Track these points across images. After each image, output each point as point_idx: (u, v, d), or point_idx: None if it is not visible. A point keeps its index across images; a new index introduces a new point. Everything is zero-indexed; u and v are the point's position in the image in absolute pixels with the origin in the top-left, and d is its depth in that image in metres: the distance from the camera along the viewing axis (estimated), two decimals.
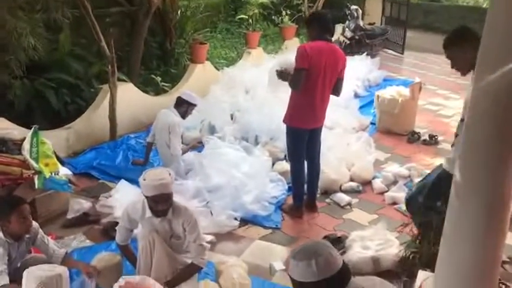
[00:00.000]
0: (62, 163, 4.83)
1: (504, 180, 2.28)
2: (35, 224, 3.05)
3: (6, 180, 3.70)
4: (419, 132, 6.48)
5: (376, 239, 3.74)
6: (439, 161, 5.72)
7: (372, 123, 6.84)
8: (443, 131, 6.74)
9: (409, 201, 3.65)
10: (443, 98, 8.54)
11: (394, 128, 6.54)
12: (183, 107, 5.09)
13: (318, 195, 4.79)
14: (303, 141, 4.26)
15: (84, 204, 4.30)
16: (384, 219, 4.30)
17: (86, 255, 3.57)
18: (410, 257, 3.18)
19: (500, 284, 2.87)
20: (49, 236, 3.68)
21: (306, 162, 4.44)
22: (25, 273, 1.98)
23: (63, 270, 2.00)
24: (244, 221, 4.29)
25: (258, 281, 3.41)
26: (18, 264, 3.00)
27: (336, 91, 4.26)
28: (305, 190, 4.54)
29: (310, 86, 4.03)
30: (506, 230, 2.41)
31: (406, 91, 6.64)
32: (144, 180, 2.97)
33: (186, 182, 4.52)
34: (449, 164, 3.17)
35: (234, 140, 5.51)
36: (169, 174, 3.01)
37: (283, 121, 4.31)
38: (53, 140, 5.28)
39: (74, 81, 6.34)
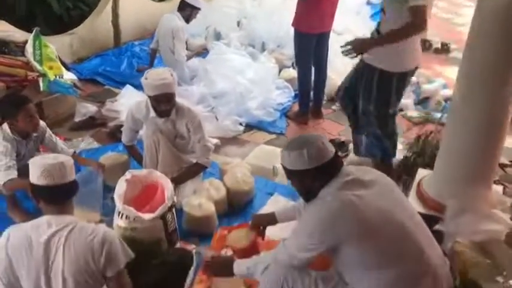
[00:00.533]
0: (67, 68, 4.81)
1: (503, 97, 2.28)
2: (42, 123, 3.08)
3: (11, 82, 3.70)
4: (431, 41, 6.30)
5: None
6: (449, 69, 5.64)
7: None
8: (456, 40, 6.54)
9: (337, 93, 3.56)
10: (456, 6, 8.20)
11: None
12: (187, 10, 4.94)
13: (324, 102, 4.78)
14: (310, 46, 4.17)
15: (91, 108, 4.34)
16: None
17: (94, 155, 3.64)
18: (412, 157, 3.21)
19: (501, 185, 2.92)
20: (59, 137, 3.78)
21: (313, 69, 4.38)
22: (30, 163, 2.03)
23: (66, 158, 2.03)
24: (249, 127, 4.32)
25: (261, 180, 3.49)
26: (28, 162, 3.08)
27: None
28: (311, 97, 4.53)
29: None
30: (504, 136, 2.43)
31: None
32: (146, 79, 2.95)
33: (190, 88, 4.51)
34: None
35: (240, 46, 5.39)
36: (171, 74, 2.97)
37: (292, 25, 4.19)
38: (57, 45, 5.20)
39: None
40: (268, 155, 3.93)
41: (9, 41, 3.79)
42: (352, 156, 3.70)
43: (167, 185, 2.65)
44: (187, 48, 5.16)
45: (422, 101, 4.77)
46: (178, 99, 3.16)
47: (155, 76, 2.95)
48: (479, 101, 2.36)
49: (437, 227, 2.32)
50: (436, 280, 1.87)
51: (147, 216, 2.51)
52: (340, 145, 3.98)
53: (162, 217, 2.58)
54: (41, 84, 3.82)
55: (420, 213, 2.09)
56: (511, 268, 2.04)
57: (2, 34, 3.95)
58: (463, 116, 2.45)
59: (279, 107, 4.59)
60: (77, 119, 4.23)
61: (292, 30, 4.26)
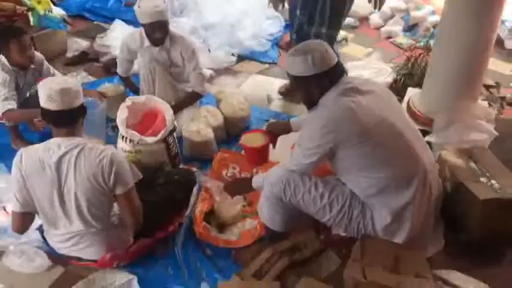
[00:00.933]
0: (54, 4, 4.75)
1: (489, 20, 2.35)
2: (39, 55, 3.09)
3: (1, 16, 3.67)
4: None
5: (369, 68, 3.86)
6: None
7: None
8: None
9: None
10: None
11: None
12: None
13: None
14: None
15: (83, 43, 4.34)
16: (378, 51, 4.37)
17: (90, 88, 3.68)
18: (402, 79, 3.31)
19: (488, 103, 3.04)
20: None
21: None
22: (39, 86, 2.08)
23: (74, 83, 2.09)
24: (242, 57, 4.36)
25: (256, 109, 3.59)
26: (27, 94, 3.13)
27: None
28: None
29: None
30: (488, 56, 2.52)
31: None
32: (139, 7, 2.96)
33: (180, 20, 4.49)
34: None
35: None
36: (164, 1, 2.98)
37: None
38: None
39: None
40: (261, 84, 4.02)
41: None
42: None
43: (167, 110, 2.74)
44: None
45: (411, 28, 4.81)
46: (172, 28, 3.18)
47: (148, 3, 2.96)
48: (466, 23, 2.45)
49: (426, 138, 2.47)
50: (426, 182, 2.02)
51: (150, 139, 2.61)
52: None
53: (164, 140, 2.69)
54: (30, 18, 3.80)
55: None
56: (492, 170, 2.20)
57: None
58: (451, 37, 2.54)
59: (270, 37, 4.60)
60: (69, 55, 4.23)
61: None
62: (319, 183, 2.10)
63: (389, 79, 3.61)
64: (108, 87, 3.48)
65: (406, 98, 2.90)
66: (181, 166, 2.89)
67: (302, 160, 2.05)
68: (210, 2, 4.64)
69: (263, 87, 3.95)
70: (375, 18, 4.97)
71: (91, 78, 3.98)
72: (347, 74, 2.11)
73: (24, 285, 2.27)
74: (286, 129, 2.56)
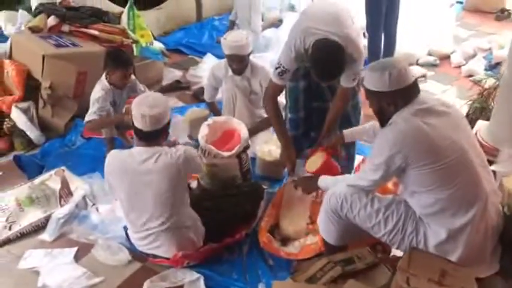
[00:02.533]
0: (155, 38, 5.35)
1: None
2: (132, 77, 3.50)
3: (110, 47, 4.23)
4: (509, 10, 6.15)
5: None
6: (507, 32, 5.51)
7: (458, 2, 6.54)
8: None
9: None
10: None
11: (482, 6, 6.26)
12: None
13: None
14: (381, 9, 4.30)
15: (176, 73, 4.84)
16: (456, 89, 4.39)
17: (179, 112, 4.10)
18: (474, 112, 3.34)
19: None
20: None
21: (383, 35, 4.53)
22: (133, 104, 2.40)
23: (162, 108, 2.33)
24: None
25: None
26: (124, 110, 3.55)
27: None
28: None
29: None
30: None
31: None
32: (225, 39, 3.33)
33: (263, 55, 4.85)
34: None
35: None
36: (247, 38, 3.30)
37: None
38: (145, 20, 5.80)
39: None
40: None
41: (108, 11, 4.33)
42: None
43: (243, 129, 3.02)
44: (262, 20, 5.51)
45: (493, 67, 4.77)
46: (255, 60, 3.52)
47: (232, 37, 3.31)
48: None
49: (491, 167, 2.49)
50: (486, 207, 2.04)
51: (225, 153, 2.90)
52: None
53: (238, 156, 2.96)
54: (134, 49, 4.34)
55: None
56: None
57: (102, 6, 4.52)
58: None
59: None
60: (164, 83, 4.73)
61: None
62: (375, 200, 2.19)
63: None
64: (194, 110, 3.87)
65: (475, 128, 2.94)
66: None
67: (369, 175, 2.13)
68: None
69: None
70: (457, 57, 5.00)
71: (181, 104, 4.41)
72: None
73: (106, 274, 2.58)
74: (340, 141, 2.71)
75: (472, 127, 3.11)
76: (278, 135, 2.92)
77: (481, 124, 2.94)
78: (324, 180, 2.43)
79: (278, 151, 3.30)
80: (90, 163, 3.41)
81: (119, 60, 3.33)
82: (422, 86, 4.57)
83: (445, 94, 4.30)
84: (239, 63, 3.35)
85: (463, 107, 3.56)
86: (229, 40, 3.29)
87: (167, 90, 4.66)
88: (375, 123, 2.43)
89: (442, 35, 5.23)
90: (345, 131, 2.72)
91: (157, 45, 4.83)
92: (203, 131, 3.00)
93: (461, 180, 2.00)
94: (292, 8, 6.21)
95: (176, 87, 4.70)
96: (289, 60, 2.62)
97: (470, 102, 3.50)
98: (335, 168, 2.70)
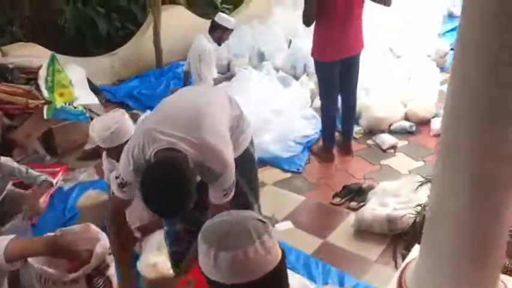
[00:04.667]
0: (97, 91, 4.76)
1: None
2: (4, 159, 2.93)
3: (14, 109, 3.67)
4: None
5: (401, 195, 3.10)
6: None
7: (452, 49, 5.71)
8: None
9: None
10: None
11: None
12: (217, 32, 4.64)
13: (359, 136, 4.17)
14: (333, 75, 3.60)
15: None
16: (428, 168, 3.56)
17: (86, 190, 3.44)
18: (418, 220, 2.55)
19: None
20: (60, 168, 3.69)
21: (340, 96, 3.81)
22: None
23: None
24: (263, 163, 3.85)
25: None
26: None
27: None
28: (340, 129, 3.97)
29: (329, 9, 3.32)
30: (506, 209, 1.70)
31: None
32: (93, 131, 2.60)
33: None
34: None
35: (275, 70, 4.97)
36: (117, 123, 2.55)
37: (311, 55, 3.68)
38: (96, 66, 5.25)
39: (127, 5, 6.14)
40: (271, 199, 3.46)
41: (13, 68, 3.76)
42: (365, 210, 3.08)
43: (102, 241, 2.32)
44: (218, 72, 4.85)
45: None
46: None
47: (99, 127, 2.57)
48: None
49: None
50: None
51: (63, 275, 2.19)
52: (358, 192, 3.37)
53: (88, 280, 2.25)
54: (44, 112, 3.75)
55: None
56: None
57: (17, 60, 3.95)
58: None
59: (303, 140, 4.07)
60: (87, 147, 4.10)
61: None
62: None
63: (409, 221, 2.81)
64: (92, 194, 3.20)
65: (405, 261, 2.13)
66: None
67: None
68: (243, 99, 4.25)
69: (272, 204, 3.38)
70: (437, 123, 4.15)
71: (96, 177, 3.76)
72: None
73: None
74: None
75: (408, 248, 2.32)
76: (118, 265, 2.22)
77: (415, 254, 2.12)
78: None
79: (167, 263, 2.59)
80: None
81: None
82: (388, 160, 3.87)
83: (410, 177, 3.46)
84: (112, 152, 2.66)
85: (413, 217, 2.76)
86: (96, 131, 2.57)
87: (88, 156, 4.03)
88: None
89: (425, 95, 4.43)
90: None
91: (88, 102, 4.23)
92: None
93: None
94: (261, 56, 5.53)
95: (98, 152, 4.04)
96: (128, 172, 1.93)
97: (419, 208, 2.69)
98: None
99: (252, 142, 2.34)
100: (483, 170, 1.61)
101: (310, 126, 4.16)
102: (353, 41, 3.54)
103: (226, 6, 6.91)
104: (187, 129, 1.83)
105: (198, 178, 1.97)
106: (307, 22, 3.40)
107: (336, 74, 3.62)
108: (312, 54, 3.66)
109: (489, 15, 1.43)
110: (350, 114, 3.88)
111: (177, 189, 1.67)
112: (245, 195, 2.29)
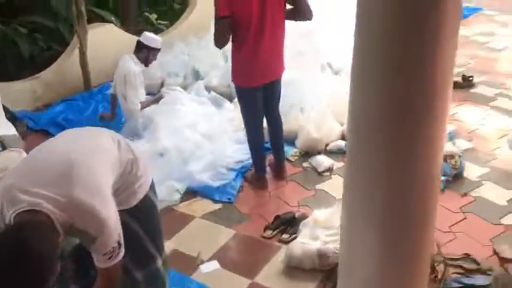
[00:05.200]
0: (14, 118, 4.37)
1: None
2: None
3: None
4: (472, 76, 5.24)
5: (333, 226, 2.90)
6: (466, 108, 4.63)
7: None
8: (484, 70, 5.47)
9: None
10: (500, 26, 7.00)
11: None
12: (143, 52, 4.36)
13: (296, 157, 3.98)
14: (256, 101, 3.40)
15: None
16: None
17: None
18: None
19: None
20: None
21: (266, 120, 3.62)
22: None
23: None
24: (193, 193, 3.60)
25: (174, 275, 2.76)
26: None
27: (300, 14, 3.23)
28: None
29: (244, 31, 3.12)
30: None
31: None
32: None
33: (136, 143, 3.85)
34: None
35: (207, 90, 4.73)
36: (14, 162, 2.21)
37: (232, 80, 3.47)
38: (16, 91, 4.86)
39: (54, 24, 5.77)
40: (199, 234, 3.21)
41: None
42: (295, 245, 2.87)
43: None
44: (148, 93, 4.57)
45: None
46: None
47: None
48: None
49: None
50: None
51: None
52: (290, 222, 3.15)
53: None
54: None
55: None
56: None
57: None
58: None
59: (237, 166, 3.83)
60: None
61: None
62: None
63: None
64: None
65: None
66: None
67: None
68: (171, 123, 4.00)
69: (200, 239, 3.13)
70: None
71: None
72: None
73: None
74: None
75: None
76: None
77: None
78: None
79: None
80: None
81: None
82: (323, 184, 3.67)
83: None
84: None
85: None
86: None
87: None
88: None
89: None
90: None
91: (3, 133, 3.84)
92: None
93: None
94: (197, 74, 5.28)
95: None
96: None
97: None
98: None
99: (152, 187, 2.07)
100: None
101: (243, 150, 3.91)
102: (276, 64, 3.36)
103: (162, 22, 6.64)
104: (55, 186, 1.56)
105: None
106: (219, 46, 3.21)
107: (260, 99, 3.42)
108: (233, 80, 3.44)
109: None
110: (278, 137, 3.69)
111: (27, 264, 1.38)
112: (145, 249, 2.02)
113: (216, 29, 3.13)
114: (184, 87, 5.03)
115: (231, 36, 3.18)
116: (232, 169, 3.79)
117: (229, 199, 3.54)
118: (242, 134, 4.10)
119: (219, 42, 3.16)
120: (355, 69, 1.45)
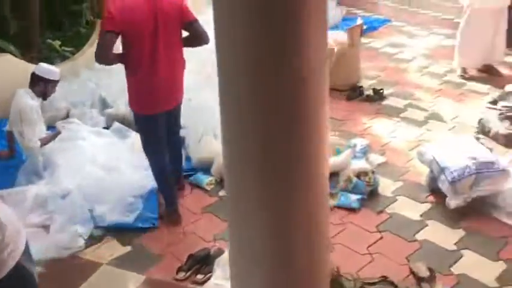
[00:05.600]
0: None
1: None
2: None
3: None
4: (361, 87, 5.33)
5: None
6: (378, 121, 4.70)
7: None
8: (394, 81, 5.61)
9: None
10: (408, 37, 7.26)
11: (332, 83, 5.35)
12: (39, 85, 4.03)
13: (212, 186, 3.81)
14: (157, 128, 3.21)
15: None
16: None
17: None
18: None
19: None
20: None
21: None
22: None
23: None
24: (101, 235, 3.31)
25: None
26: None
27: (197, 39, 3.14)
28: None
29: (136, 52, 2.95)
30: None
31: (345, 37, 5.43)
32: None
33: (24, 190, 3.50)
34: None
35: (111, 120, 4.46)
36: None
37: (129, 106, 3.27)
38: None
39: None
40: (106, 284, 2.93)
41: None
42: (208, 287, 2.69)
43: None
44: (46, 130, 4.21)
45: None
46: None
47: None
48: None
49: None
50: None
51: None
52: (205, 260, 2.96)
53: None
54: None
55: None
56: None
57: None
58: None
59: (144, 191, 3.59)
60: None
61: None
62: None
63: None
64: None
65: None
66: None
67: None
68: (71, 159, 3.69)
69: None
70: None
71: None
72: None
73: None
74: None
75: None
76: None
77: None
78: None
79: None
80: None
81: None
82: None
83: None
84: None
85: None
86: None
87: None
88: None
89: None
90: None
91: None
92: None
93: None
94: (104, 102, 4.98)
95: None
96: None
97: None
98: None
99: (27, 253, 1.81)
100: None
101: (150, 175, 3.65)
102: (175, 94, 3.23)
103: (67, 49, 6.24)
104: None
105: None
106: (100, 61, 3.05)
107: (162, 126, 3.24)
108: (131, 106, 3.25)
109: None
110: (179, 162, 3.68)
111: None
112: None
113: (98, 43, 2.97)
114: (91, 117, 4.73)
115: (123, 57, 3.05)
116: (139, 196, 3.55)
117: (154, 224, 3.37)
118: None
119: (101, 58, 3.00)
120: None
